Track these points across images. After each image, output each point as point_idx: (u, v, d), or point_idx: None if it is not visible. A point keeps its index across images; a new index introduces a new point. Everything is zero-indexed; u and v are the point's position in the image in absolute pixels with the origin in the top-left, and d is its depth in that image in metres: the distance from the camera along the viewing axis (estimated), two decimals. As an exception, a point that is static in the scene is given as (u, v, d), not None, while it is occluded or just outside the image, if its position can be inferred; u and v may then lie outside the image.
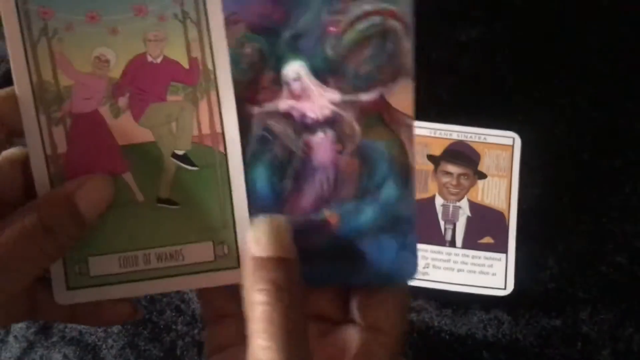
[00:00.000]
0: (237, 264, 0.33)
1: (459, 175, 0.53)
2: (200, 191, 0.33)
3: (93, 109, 0.32)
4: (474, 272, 0.49)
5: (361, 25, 0.34)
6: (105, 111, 0.32)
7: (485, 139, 0.54)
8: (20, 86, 0.31)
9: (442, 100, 0.56)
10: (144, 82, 0.32)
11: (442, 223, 0.51)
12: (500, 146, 0.54)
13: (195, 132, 0.33)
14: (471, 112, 0.55)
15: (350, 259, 0.34)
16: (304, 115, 0.35)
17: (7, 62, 0.31)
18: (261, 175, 0.34)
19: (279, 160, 0.34)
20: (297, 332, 0.28)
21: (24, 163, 0.31)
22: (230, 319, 0.34)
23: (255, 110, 0.34)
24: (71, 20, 0.32)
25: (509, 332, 0.49)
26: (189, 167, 0.33)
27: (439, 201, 0.52)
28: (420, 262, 0.50)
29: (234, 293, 0.32)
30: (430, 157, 0.54)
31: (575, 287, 0.50)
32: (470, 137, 0.54)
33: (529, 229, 0.51)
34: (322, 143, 0.35)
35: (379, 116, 0.35)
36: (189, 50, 0.32)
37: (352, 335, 0.33)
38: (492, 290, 0.49)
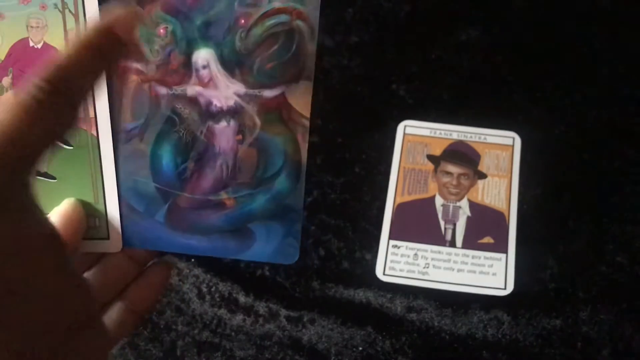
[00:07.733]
0: (107, 235, 0.37)
1: (459, 175, 0.53)
2: (75, 169, 0.36)
3: None
4: (474, 272, 0.49)
5: (269, 22, 0.36)
6: None
7: (485, 139, 0.54)
8: None
9: (442, 100, 0.56)
10: (26, 65, 0.35)
11: (442, 223, 0.51)
12: (500, 146, 0.54)
13: None
14: (471, 112, 0.55)
15: (241, 238, 0.38)
16: (210, 103, 0.37)
17: None
18: (166, 153, 0.37)
19: (183, 143, 0.37)
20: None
21: None
22: None
23: (164, 91, 0.37)
24: None
25: (509, 332, 0.49)
26: (64, 146, 0.36)
27: (439, 201, 0.52)
28: (420, 262, 0.50)
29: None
30: (430, 157, 0.54)
31: (575, 287, 0.50)
32: (470, 137, 0.54)
33: (529, 229, 0.51)
34: (224, 131, 0.37)
35: (279, 113, 0.37)
36: (67, 39, 0.35)
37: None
38: (492, 290, 0.49)
